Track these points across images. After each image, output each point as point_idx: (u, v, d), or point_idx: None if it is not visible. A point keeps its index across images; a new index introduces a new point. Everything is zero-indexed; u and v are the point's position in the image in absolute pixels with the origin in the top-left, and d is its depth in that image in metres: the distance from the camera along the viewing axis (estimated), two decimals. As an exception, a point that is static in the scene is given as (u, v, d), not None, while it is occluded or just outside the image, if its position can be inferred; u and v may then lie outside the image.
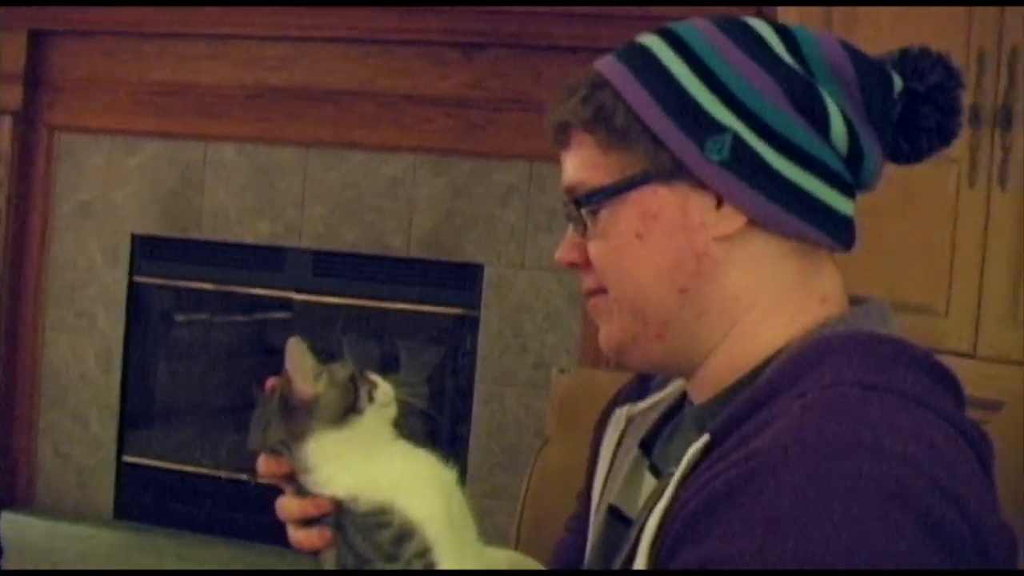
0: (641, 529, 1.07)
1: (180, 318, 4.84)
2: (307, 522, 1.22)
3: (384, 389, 1.23)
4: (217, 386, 4.83)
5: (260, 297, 4.65)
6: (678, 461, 1.09)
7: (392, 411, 1.23)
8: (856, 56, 1.15)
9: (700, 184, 1.12)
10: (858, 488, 0.90)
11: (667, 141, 1.12)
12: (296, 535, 1.23)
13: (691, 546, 0.96)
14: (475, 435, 4.24)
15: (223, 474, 4.62)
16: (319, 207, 4.44)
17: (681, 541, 0.98)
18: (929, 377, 1.05)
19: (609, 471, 1.34)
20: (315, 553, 1.22)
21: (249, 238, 4.53)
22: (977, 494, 0.96)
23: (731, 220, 1.12)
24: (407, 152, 4.33)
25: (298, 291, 4.55)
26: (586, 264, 1.19)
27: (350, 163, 4.40)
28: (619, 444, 1.34)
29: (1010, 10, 2.97)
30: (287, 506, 1.23)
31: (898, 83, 1.15)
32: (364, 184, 4.38)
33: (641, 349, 1.18)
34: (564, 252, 1.21)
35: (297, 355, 1.21)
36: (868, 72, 1.14)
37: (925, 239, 3.05)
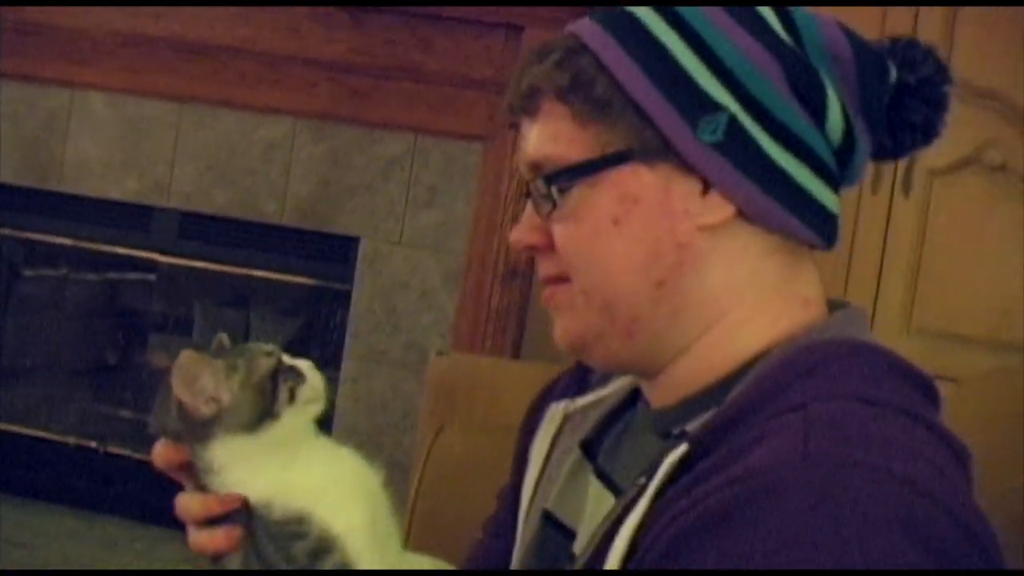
0: (601, 544, 0.96)
1: (29, 272, 4.60)
2: (210, 521, 1.09)
3: (312, 384, 1.09)
4: (68, 346, 4.60)
5: (122, 256, 4.42)
6: (631, 469, 1.02)
7: (318, 408, 1.09)
8: (854, 41, 1.07)
9: (686, 167, 1.02)
10: (867, 514, 0.83)
11: (655, 117, 1.01)
12: (197, 537, 1.09)
13: (682, 565, 0.86)
14: (339, 414, 4.07)
15: (71, 440, 4.40)
16: (190, 166, 4.23)
17: (666, 560, 0.88)
18: (918, 390, 0.98)
19: (542, 472, 1.22)
20: (216, 557, 1.08)
21: (114, 194, 4.29)
22: (977, 512, 0.89)
23: (718, 209, 1.02)
24: (286, 115, 4.14)
25: (162, 253, 4.35)
26: (547, 248, 1.08)
27: (225, 122, 4.20)
28: (553, 443, 1.23)
29: (924, 10, 2.94)
30: (188, 504, 1.09)
31: (893, 74, 1.07)
32: (239, 145, 4.19)
33: (605, 347, 1.07)
34: (523, 233, 1.09)
35: (187, 374, 1.05)
36: (866, 59, 1.06)
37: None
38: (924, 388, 0.99)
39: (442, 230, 4.05)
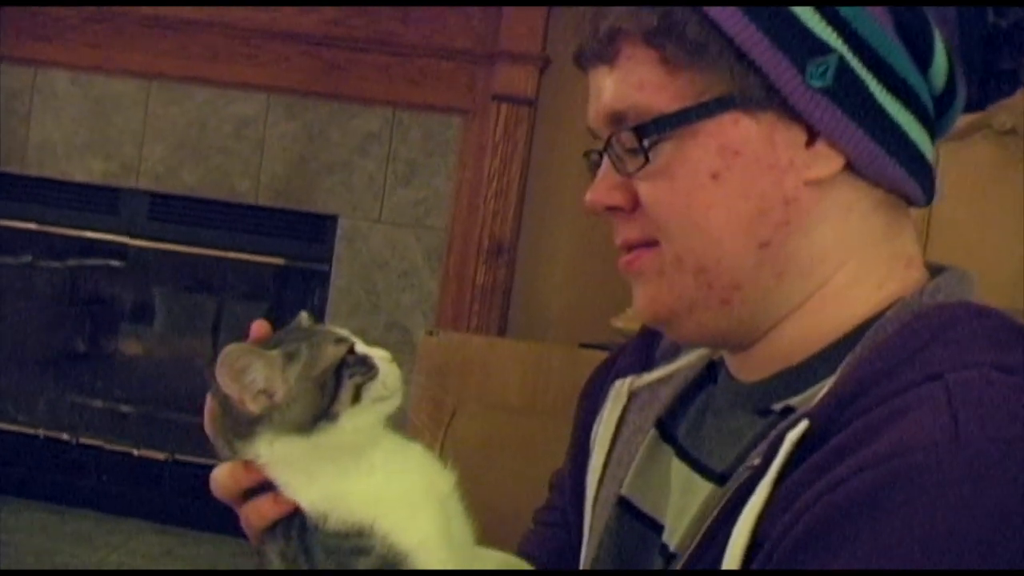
0: (710, 537, 0.87)
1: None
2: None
3: (385, 380, 0.94)
4: (36, 335, 4.45)
5: (90, 241, 4.28)
6: (724, 450, 0.95)
7: (389, 406, 0.95)
8: None
9: (791, 115, 0.91)
10: None
11: (760, 61, 0.90)
12: (246, 515, 0.96)
13: (825, 557, 0.77)
14: (320, 397, 3.97)
15: (40, 432, 4.26)
16: (159, 146, 4.10)
17: (803, 550, 0.79)
18: None
19: (609, 455, 1.11)
20: (261, 542, 0.96)
21: (80, 176, 4.16)
22: None
23: (827, 160, 0.92)
24: (259, 90, 4.03)
25: (132, 236, 4.21)
26: (630, 209, 0.96)
27: (195, 99, 4.07)
28: (619, 423, 1.12)
29: None
30: (217, 478, 0.97)
31: (991, 16, 0.97)
32: (210, 123, 4.06)
33: (698, 318, 0.96)
34: (602, 193, 0.98)
35: (235, 365, 0.92)
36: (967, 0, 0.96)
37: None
38: None
39: (423, 206, 3.95)
